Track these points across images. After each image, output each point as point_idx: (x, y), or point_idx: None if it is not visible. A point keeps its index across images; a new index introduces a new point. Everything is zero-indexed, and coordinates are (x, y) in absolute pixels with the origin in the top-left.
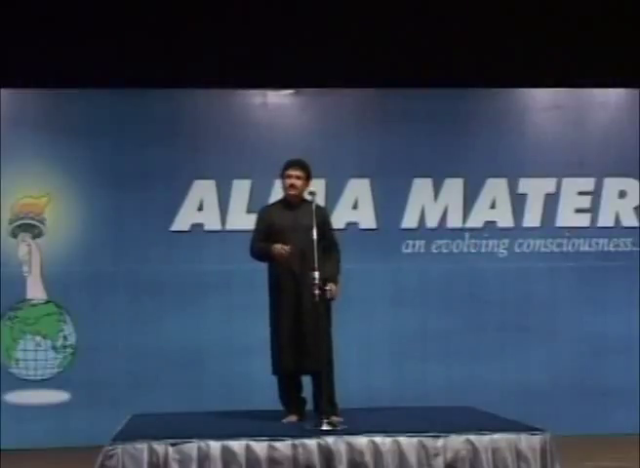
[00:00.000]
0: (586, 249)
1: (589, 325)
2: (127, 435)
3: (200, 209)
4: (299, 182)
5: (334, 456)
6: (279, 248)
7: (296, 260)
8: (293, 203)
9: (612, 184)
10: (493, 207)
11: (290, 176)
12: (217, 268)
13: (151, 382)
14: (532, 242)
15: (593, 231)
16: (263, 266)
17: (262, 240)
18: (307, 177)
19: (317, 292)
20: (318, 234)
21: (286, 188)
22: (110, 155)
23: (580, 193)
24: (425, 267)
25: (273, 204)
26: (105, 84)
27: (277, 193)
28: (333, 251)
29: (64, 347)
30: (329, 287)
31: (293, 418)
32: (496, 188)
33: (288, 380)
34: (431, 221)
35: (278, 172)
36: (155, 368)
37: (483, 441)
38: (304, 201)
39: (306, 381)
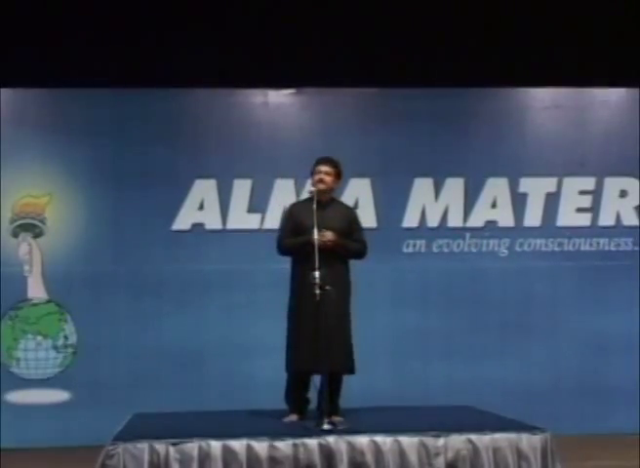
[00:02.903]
0: (587, 248)
1: (590, 324)
2: (128, 434)
3: (201, 208)
4: (328, 178)
5: (335, 456)
6: (319, 237)
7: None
8: (321, 201)
9: (612, 184)
10: (493, 206)
11: (319, 172)
12: (217, 268)
13: (152, 382)
14: (532, 241)
15: (594, 231)
16: (264, 266)
17: (290, 237)
18: (337, 175)
19: (318, 291)
20: (344, 235)
21: (314, 183)
22: (111, 155)
23: (581, 192)
24: (426, 267)
25: (302, 201)
26: (105, 84)
27: (278, 193)
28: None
29: (65, 347)
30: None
31: (294, 418)
32: (496, 188)
33: (300, 380)
34: (432, 221)
35: (279, 171)
36: (156, 367)
37: (484, 440)
38: (334, 200)
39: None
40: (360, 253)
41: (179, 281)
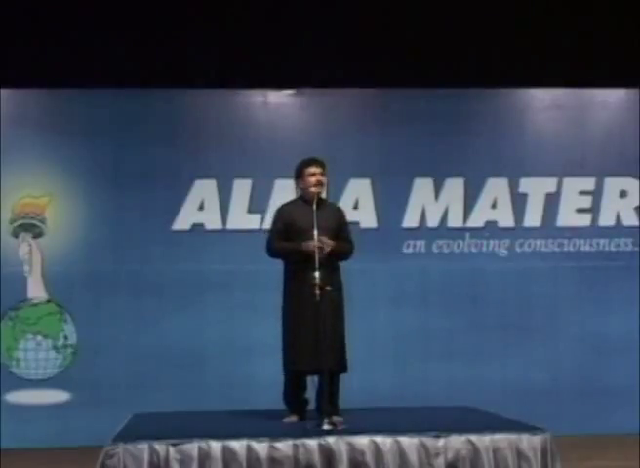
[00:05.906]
0: (587, 248)
1: (590, 325)
2: (128, 435)
3: (201, 208)
4: (324, 179)
5: (335, 456)
6: (311, 244)
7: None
8: (312, 202)
9: (612, 184)
10: (493, 206)
11: (315, 174)
12: (217, 268)
13: (152, 382)
14: (532, 242)
15: (594, 231)
16: (264, 266)
17: (281, 239)
18: (325, 174)
19: (318, 291)
20: (335, 234)
21: (310, 186)
22: (111, 155)
23: (581, 193)
24: (426, 267)
25: (291, 202)
26: (105, 84)
27: (278, 193)
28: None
29: (65, 347)
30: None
31: (293, 418)
32: (496, 188)
33: (297, 380)
34: (432, 221)
35: (279, 171)
36: (156, 367)
37: (484, 440)
38: (322, 200)
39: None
40: (349, 256)
41: (179, 281)
